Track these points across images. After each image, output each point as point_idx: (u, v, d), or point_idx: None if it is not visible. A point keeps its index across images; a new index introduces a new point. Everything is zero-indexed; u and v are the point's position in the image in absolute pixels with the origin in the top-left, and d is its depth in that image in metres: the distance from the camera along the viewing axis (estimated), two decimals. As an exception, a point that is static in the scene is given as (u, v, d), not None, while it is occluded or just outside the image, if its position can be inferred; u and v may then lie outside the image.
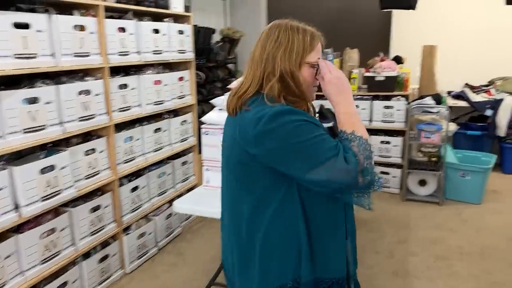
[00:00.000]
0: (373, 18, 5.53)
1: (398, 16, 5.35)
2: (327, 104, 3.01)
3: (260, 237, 1.19)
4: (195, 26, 3.86)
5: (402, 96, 4.19)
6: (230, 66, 5.44)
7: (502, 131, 4.70)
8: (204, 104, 4.21)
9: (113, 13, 2.88)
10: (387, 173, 4.34)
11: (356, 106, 4.40)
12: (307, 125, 1.09)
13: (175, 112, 3.47)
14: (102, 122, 2.62)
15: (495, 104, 4.73)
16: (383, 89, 4.20)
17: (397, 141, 4.23)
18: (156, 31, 3.08)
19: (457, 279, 2.81)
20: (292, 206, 1.16)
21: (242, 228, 1.22)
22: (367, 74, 4.25)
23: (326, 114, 3.12)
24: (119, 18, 2.86)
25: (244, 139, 1.13)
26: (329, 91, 1.18)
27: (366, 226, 3.59)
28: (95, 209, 2.62)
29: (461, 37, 5.19)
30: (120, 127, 2.85)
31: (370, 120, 4.32)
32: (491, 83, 5.08)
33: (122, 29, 2.77)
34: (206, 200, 2.32)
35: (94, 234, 2.62)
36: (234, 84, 1.53)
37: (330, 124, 1.33)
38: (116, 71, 2.84)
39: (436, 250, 3.19)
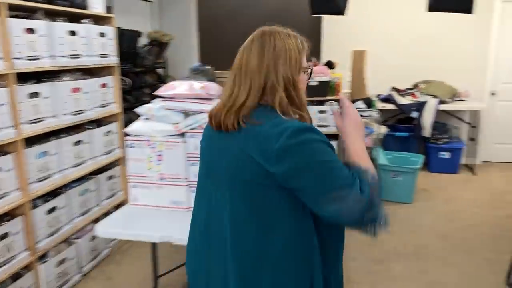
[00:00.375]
0: (304, 23, 5.56)
1: (329, 21, 5.43)
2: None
3: (268, 266, 1.11)
4: (118, 28, 3.57)
5: (335, 100, 4.21)
6: (160, 71, 5.16)
7: (427, 131, 4.93)
8: (131, 113, 3.90)
9: (19, 12, 2.53)
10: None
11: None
12: (327, 147, 1.08)
13: (98, 122, 3.16)
14: (7, 136, 2.27)
15: (420, 106, 4.94)
16: (317, 94, 4.19)
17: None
18: (73, 33, 2.78)
19: (396, 282, 2.82)
20: (306, 236, 1.12)
21: (247, 254, 1.12)
22: (301, 78, 4.22)
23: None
24: (27, 18, 2.52)
25: (263, 155, 1.06)
26: (350, 128, 1.20)
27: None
28: (2, 237, 2.26)
29: (388, 42, 5.39)
30: (32, 141, 2.51)
31: (305, 125, 4.30)
32: (415, 86, 5.32)
33: (31, 30, 2.44)
34: (135, 221, 2.07)
35: (2, 266, 2.26)
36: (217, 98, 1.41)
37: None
38: (25, 78, 2.50)
39: (374, 253, 3.20)
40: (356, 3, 5.27)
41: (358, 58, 4.25)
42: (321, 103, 4.25)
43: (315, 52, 5.28)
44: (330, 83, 4.21)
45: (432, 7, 3.73)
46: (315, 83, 4.15)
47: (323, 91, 4.18)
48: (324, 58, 5.15)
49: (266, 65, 1.12)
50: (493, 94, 5.32)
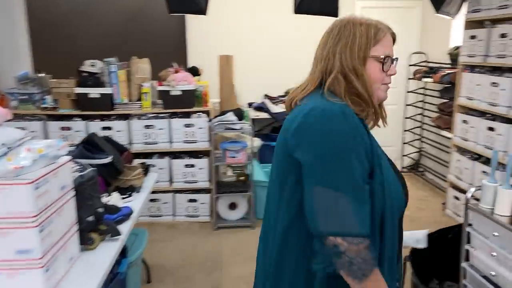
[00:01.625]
0: (166, 24, 4.95)
1: (192, 22, 4.91)
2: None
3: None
4: None
5: (203, 112, 3.70)
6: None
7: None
8: None
9: None
10: (194, 200, 3.79)
11: (151, 125, 3.82)
12: (352, 140, 0.98)
13: None
14: None
15: (294, 114, 4.73)
16: (181, 105, 3.64)
17: (202, 163, 3.72)
18: None
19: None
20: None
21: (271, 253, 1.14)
22: (161, 88, 3.62)
23: (101, 146, 2.32)
24: None
25: (287, 131, 1.06)
26: None
27: (174, 277, 2.94)
28: None
29: (257, 46, 5.08)
30: None
31: (170, 142, 3.71)
32: (287, 93, 5.11)
33: None
34: None
35: None
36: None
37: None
38: None
39: (253, 290, 2.76)
40: (220, 2, 4.86)
41: (225, 63, 3.81)
42: (187, 115, 3.71)
43: (179, 56, 4.71)
44: (195, 92, 3.69)
45: (299, 10, 3.48)
46: (178, 93, 3.59)
47: (189, 102, 3.64)
48: (191, 63, 4.62)
49: (327, 52, 1.11)
50: (360, 98, 5.40)
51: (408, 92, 4.94)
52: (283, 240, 1.08)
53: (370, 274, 0.91)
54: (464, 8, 3.55)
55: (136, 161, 2.95)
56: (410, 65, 4.86)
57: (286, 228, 1.07)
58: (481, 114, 3.33)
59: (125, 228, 1.94)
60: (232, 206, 3.75)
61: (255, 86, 5.07)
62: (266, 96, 4.99)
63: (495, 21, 3.20)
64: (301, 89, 1.14)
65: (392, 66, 1.12)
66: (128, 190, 2.36)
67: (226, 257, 3.20)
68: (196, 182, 3.75)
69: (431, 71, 4.42)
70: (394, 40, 1.14)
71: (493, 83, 3.10)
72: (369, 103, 1.07)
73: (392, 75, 1.12)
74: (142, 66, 3.70)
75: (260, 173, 3.98)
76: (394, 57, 1.12)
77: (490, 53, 3.17)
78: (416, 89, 5.02)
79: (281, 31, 5.06)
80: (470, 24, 3.46)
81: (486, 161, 3.24)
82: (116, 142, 2.65)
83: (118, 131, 3.62)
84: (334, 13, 3.42)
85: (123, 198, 2.26)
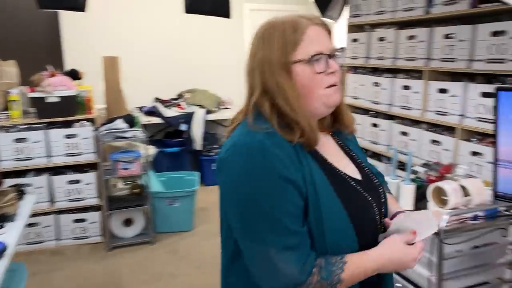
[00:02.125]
0: (35, 21, 4.35)
1: (68, 20, 4.40)
2: None
3: None
4: None
5: (87, 120, 3.31)
6: None
7: (198, 144, 4.58)
8: None
9: None
10: (82, 220, 3.37)
11: (24, 138, 3.29)
12: (276, 180, 0.84)
13: None
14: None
15: (188, 118, 4.55)
16: (61, 113, 3.20)
17: (89, 177, 3.33)
18: None
19: None
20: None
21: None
22: (34, 94, 3.14)
23: None
24: None
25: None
26: (395, 254, 0.90)
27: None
28: None
29: (145, 47, 4.77)
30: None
31: (49, 156, 3.24)
32: (180, 96, 4.91)
33: None
34: None
35: None
36: None
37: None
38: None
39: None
40: (102, -1, 4.46)
41: (110, 66, 3.46)
42: (68, 124, 3.28)
43: (54, 58, 4.18)
44: (77, 98, 3.28)
45: (190, 9, 3.32)
46: (55, 99, 3.15)
47: (69, 109, 3.23)
48: (69, 66, 4.13)
49: (250, 68, 0.96)
50: (252, 100, 5.44)
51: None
52: (225, 275, 1.02)
53: (341, 281, 0.85)
54: (346, 13, 3.77)
55: (8, 183, 2.49)
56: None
57: (226, 266, 1.00)
58: (366, 111, 3.56)
59: (-3, 269, 1.58)
60: (128, 222, 3.43)
61: (144, 89, 4.77)
62: (158, 99, 4.72)
63: (374, 26, 3.45)
64: (234, 117, 1.02)
65: (330, 62, 0.91)
66: (-2, 220, 1.96)
67: (126, 279, 2.90)
68: (82, 200, 3.34)
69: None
70: (328, 31, 0.95)
71: (375, 83, 3.33)
72: (298, 121, 0.89)
73: (332, 72, 0.92)
74: (7, 69, 3.16)
75: (156, 183, 3.73)
76: (328, 52, 0.91)
77: (371, 55, 3.40)
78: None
79: (172, 31, 4.83)
80: (352, 28, 3.68)
81: (373, 156, 3.48)
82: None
83: (-19, 147, 3.04)
84: (226, 14, 3.35)
85: (-8, 231, 1.86)
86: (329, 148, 0.99)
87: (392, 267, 0.90)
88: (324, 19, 1.00)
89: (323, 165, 0.93)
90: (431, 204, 1.55)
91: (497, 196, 1.29)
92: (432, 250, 1.46)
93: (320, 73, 0.90)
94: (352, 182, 0.95)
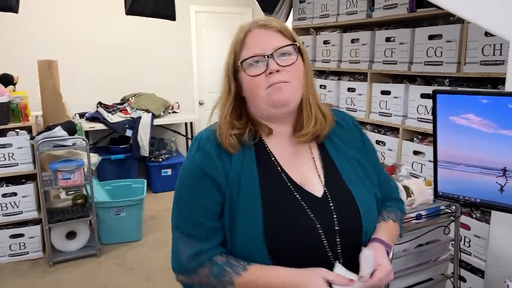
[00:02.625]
0: (-39, 22, 4.02)
1: (1, 22, 4.10)
2: None
3: None
4: None
5: (23, 128, 3.09)
6: None
7: (145, 150, 4.43)
8: None
9: None
10: (20, 235, 3.14)
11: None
12: (198, 174, 0.92)
13: None
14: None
15: (134, 123, 4.39)
16: (-9, 121, 2.96)
17: (26, 189, 3.10)
18: None
19: None
20: None
21: None
22: (-40, 102, 2.88)
23: None
24: None
25: None
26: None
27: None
28: None
29: (86, 50, 4.55)
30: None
31: (-21, 168, 2.99)
32: (124, 100, 4.72)
33: None
34: None
35: None
36: None
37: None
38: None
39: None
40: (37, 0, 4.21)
41: (46, 70, 3.25)
42: (2, 133, 3.05)
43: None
44: (10, 105, 3.05)
45: (131, 11, 3.21)
46: (-15, 107, 2.91)
47: (2, 117, 2.99)
48: (1, 70, 3.83)
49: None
50: (201, 103, 5.35)
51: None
52: None
53: (232, 282, 0.87)
54: (291, 16, 3.81)
55: None
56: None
57: None
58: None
59: None
60: (71, 235, 3.24)
61: (86, 94, 4.56)
62: (101, 104, 4.51)
63: (318, 29, 3.50)
64: None
65: (269, 62, 0.90)
66: None
67: (69, 297, 2.73)
68: (20, 214, 3.11)
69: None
70: (277, 30, 0.94)
71: (321, 85, 3.38)
72: (257, 119, 0.98)
73: (267, 72, 0.90)
74: None
75: (101, 192, 3.56)
76: (269, 51, 0.90)
77: (317, 58, 3.45)
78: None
79: (114, 32, 4.65)
80: (298, 31, 3.72)
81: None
82: None
83: None
84: (171, 17, 3.26)
85: None
86: (290, 157, 0.96)
87: None
88: (273, 19, 0.97)
89: (267, 170, 0.93)
90: (377, 205, 1.58)
91: (438, 196, 1.33)
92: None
93: (259, 75, 0.91)
94: (297, 195, 0.92)
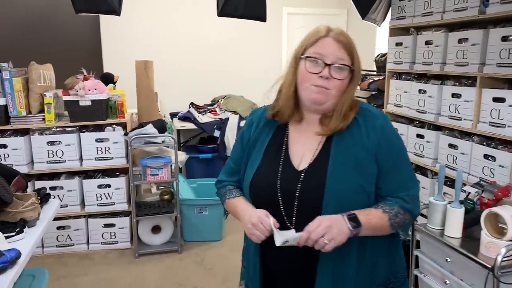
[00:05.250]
0: (77, 25, 4.43)
1: (107, 24, 4.45)
2: None
3: None
4: None
5: (118, 124, 3.28)
6: None
7: (231, 151, 4.46)
8: None
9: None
10: (112, 225, 3.34)
11: (59, 141, 3.32)
12: (243, 130, 1.32)
13: None
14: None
15: (222, 124, 4.45)
16: (92, 117, 3.19)
17: (119, 182, 3.29)
18: None
19: None
20: None
21: None
22: (68, 98, 3.14)
23: None
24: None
25: None
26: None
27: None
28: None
29: (180, 51, 4.74)
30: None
31: (80, 159, 3.24)
32: (214, 102, 4.82)
33: None
34: None
35: None
36: None
37: None
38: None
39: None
40: (138, 2, 4.47)
41: (143, 70, 3.42)
42: (100, 128, 3.26)
43: (93, 62, 4.23)
44: (109, 102, 3.26)
45: (222, 12, 3.22)
46: (87, 103, 3.14)
47: (100, 113, 3.21)
48: (106, 70, 4.15)
49: None
50: (289, 106, 5.26)
51: (337, 99, 4.89)
52: None
53: (224, 202, 1.32)
54: (389, 15, 3.53)
55: (38, 185, 2.47)
56: (338, 73, 4.81)
57: None
58: (410, 121, 3.29)
59: (6, 278, 1.51)
60: (156, 229, 3.36)
61: (180, 95, 4.73)
62: (192, 104, 4.66)
63: (420, 28, 3.19)
64: None
65: (325, 69, 1.10)
66: (17, 226, 1.91)
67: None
68: (113, 204, 3.30)
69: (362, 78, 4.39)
70: (342, 43, 1.13)
71: (420, 90, 3.07)
72: (278, 102, 1.22)
73: (319, 75, 1.11)
74: (44, 72, 3.19)
75: (187, 190, 3.64)
76: (330, 61, 1.10)
77: (417, 60, 3.14)
78: (344, 97, 4.99)
79: (205, 35, 4.77)
80: (395, 31, 3.43)
81: (416, 169, 3.20)
82: (1, 164, 2.16)
83: (15, 149, 3.07)
84: (262, 17, 3.21)
85: (9, 236, 1.81)
86: (302, 140, 1.19)
87: (239, 217, 1.22)
88: (344, 36, 1.15)
89: (275, 144, 1.21)
90: (484, 232, 1.32)
91: None
92: (485, 288, 1.23)
93: (312, 73, 1.11)
94: (281, 166, 1.17)
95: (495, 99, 2.43)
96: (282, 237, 1.03)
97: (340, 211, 1.06)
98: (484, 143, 2.57)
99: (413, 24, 3.18)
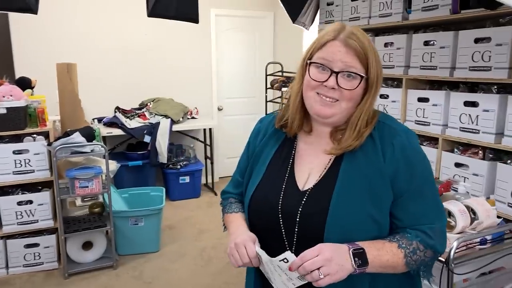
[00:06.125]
0: (-20, 25, 3.95)
1: (19, 23, 4.03)
2: None
3: None
4: None
5: (39, 134, 2.98)
6: None
7: (164, 157, 4.30)
8: None
9: None
10: (35, 245, 3.02)
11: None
12: (249, 141, 1.20)
13: None
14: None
15: (152, 129, 4.27)
16: (8, 126, 2.85)
17: (43, 197, 2.99)
18: None
19: None
20: None
21: None
22: (-23, 106, 2.78)
23: None
24: None
25: None
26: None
27: None
28: None
29: (103, 54, 4.45)
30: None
31: (-5, 174, 2.89)
32: (143, 105, 4.61)
33: None
34: None
35: None
36: None
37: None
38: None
39: None
40: (58, 0, 4.14)
41: (66, 73, 3.15)
42: (18, 138, 2.94)
43: (5, 66, 3.80)
44: (27, 109, 2.95)
45: (154, 13, 3.08)
46: (2, 111, 2.81)
47: (18, 122, 2.88)
48: (19, 74, 3.75)
49: None
50: (220, 109, 5.22)
51: (268, 101, 4.95)
52: None
53: (223, 215, 1.22)
54: (317, 19, 3.65)
55: None
56: (268, 75, 4.87)
57: None
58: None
59: None
60: (87, 245, 3.11)
61: (104, 99, 4.45)
62: (118, 109, 4.41)
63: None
64: None
65: (331, 77, 0.96)
66: None
67: (84, 313, 2.59)
68: (36, 222, 2.99)
69: (288, 81, 4.48)
70: (351, 47, 0.96)
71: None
72: (287, 113, 1.09)
73: (324, 83, 0.97)
74: None
75: (118, 201, 3.43)
76: (337, 69, 0.96)
77: (345, 62, 3.28)
78: (275, 99, 5.07)
79: (131, 36, 4.54)
80: (324, 35, 3.56)
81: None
82: None
83: None
84: (194, 19, 3.13)
85: None
86: (310, 156, 1.06)
87: (229, 235, 1.10)
88: (356, 38, 0.97)
89: (280, 158, 1.08)
90: (434, 227, 1.40)
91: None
92: (439, 281, 1.30)
93: (316, 81, 0.98)
94: (284, 184, 1.04)
95: (420, 99, 2.63)
96: (267, 261, 0.91)
97: (344, 241, 0.92)
98: (411, 140, 2.76)
99: (341, 28, 3.32)
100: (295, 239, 0.99)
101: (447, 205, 1.33)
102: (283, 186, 1.03)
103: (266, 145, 1.11)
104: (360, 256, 0.88)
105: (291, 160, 1.06)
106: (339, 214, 0.94)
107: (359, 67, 0.96)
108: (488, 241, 1.34)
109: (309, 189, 1.00)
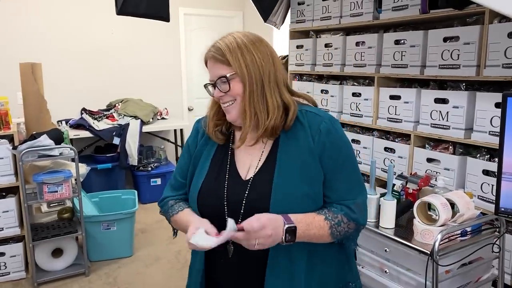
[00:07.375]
0: None
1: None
2: None
3: None
4: None
5: (2, 137, 2.83)
6: None
7: (134, 159, 4.20)
8: None
9: None
10: (1, 254, 2.87)
11: None
12: (188, 141, 1.28)
13: None
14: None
15: (121, 130, 4.16)
16: (-32, 130, 2.69)
17: (8, 204, 2.84)
18: None
19: None
20: None
21: None
22: None
23: None
24: None
25: None
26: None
27: None
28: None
29: (68, 53, 4.29)
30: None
31: (-46, 181, 2.71)
32: (111, 106, 4.48)
33: None
34: None
35: None
36: None
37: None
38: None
39: None
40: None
41: (30, 74, 3.01)
42: (-22, 143, 2.77)
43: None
44: (-11, 112, 2.79)
45: (123, 11, 2.99)
46: (-39, 115, 2.64)
47: (-21, 126, 2.72)
48: (-23, 74, 3.55)
49: None
50: (190, 109, 5.15)
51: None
52: None
53: (170, 221, 1.24)
54: (288, 19, 3.67)
55: None
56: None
57: None
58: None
59: None
60: (56, 252, 2.98)
61: (70, 100, 4.30)
62: (85, 110, 4.26)
63: (319, 32, 3.37)
64: None
65: (213, 90, 1.12)
66: None
67: (57, 323, 2.48)
68: (0, 230, 2.84)
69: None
70: (214, 58, 1.09)
71: (323, 90, 3.25)
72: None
73: (213, 97, 1.14)
74: None
75: (88, 205, 3.32)
76: (212, 80, 1.11)
77: (317, 61, 3.32)
78: (245, 98, 5.06)
79: (99, 36, 4.41)
80: (295, 34, 3.59)
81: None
82: None
83: None
84: (165, 17, 3.07)
85: None
86: (246, 147, 1.15)
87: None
88: (216, 47, 1.09)
89: (221, 154, 1.17)
90: (417, 221, 1.43)
91: (500, 212, 1.20)
92: (424, 273, 1.34)
93: (213, 96, 1.14)
94: (227, 176, 1.14)
95: (392, 97, 2.69)
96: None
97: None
98: (383, 137, 2.83)
99: (313, 27, 3.35)
100: (240, 221, 1.05)
101: (430, 199, 1.37)
102: (227, 177, 1.13)
103: (206, 143, 1.20)
104: (291, 233, 1.00)
105: (230, 152, 1.16)
106: (279, 198, 1.05)
107: (227, 70, 1.07)
108: (468, 233, 1.39)
109: (251, 178, 1.11)
